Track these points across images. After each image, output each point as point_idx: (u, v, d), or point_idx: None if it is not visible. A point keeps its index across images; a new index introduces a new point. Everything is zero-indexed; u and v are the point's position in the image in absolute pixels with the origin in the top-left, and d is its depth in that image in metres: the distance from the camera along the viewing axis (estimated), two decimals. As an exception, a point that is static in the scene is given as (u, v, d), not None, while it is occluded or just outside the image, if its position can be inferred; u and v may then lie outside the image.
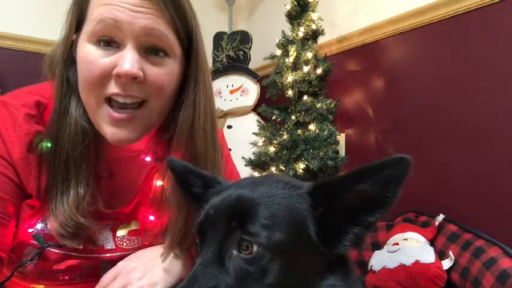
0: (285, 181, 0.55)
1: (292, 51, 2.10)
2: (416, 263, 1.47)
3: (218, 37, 2.99)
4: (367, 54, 2.23)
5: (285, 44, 2.16)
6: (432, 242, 1.62)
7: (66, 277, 0.78)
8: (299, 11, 2.13)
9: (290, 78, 2.08)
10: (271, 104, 2.28)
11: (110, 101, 0.71)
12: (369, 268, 1.66)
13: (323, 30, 2.17)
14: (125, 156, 0.82)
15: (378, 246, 1.77)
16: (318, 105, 2.06)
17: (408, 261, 1.49)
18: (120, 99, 0.70)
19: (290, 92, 2.10)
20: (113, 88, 0.69)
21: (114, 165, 0.82)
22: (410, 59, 2.00)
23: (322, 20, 2.17)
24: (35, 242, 0.74)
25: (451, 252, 1.47)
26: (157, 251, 0.79)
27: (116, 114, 0.70)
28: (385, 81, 2.13)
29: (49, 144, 0.73)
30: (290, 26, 2.17)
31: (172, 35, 0.72)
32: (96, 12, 0.67)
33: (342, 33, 2.35)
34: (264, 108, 2.22)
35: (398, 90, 2.05)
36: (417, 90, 1.94)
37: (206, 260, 0.50)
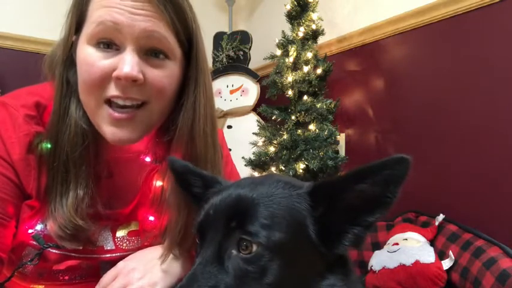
0: (284, 181, 0.55)
1: (292, 51, 2.10)
2: (416, 263, 1.47)
3: (218, 37, 2.99)
4: (367, 54, 2.22)
5: (285, 44, 2.16)
6: (432, 242, 1.62)
7: (66, 277, 0.78)
8: (299, 11, 2.13)
9: (290, 78, 2.08)
10: (271, 104, 2.28)
11: (109, 102, 0.71)
12: (369, 268, 1.66)
13: (323, 30, 2.17)
14: (124, 157, 0.82)
15: (378, 246, 1.77)
16: (318, 105, 2.06)
17: (408, 261, 1.49)
18: (120, 102, 0.70)
19: (290, 92, 2.10)
20: (112, 90, 0.69)
21: (114, 166, 0.82)
22: (410, 59, 2.00)
23: (322, 20, 2.17)
24: (34, 242, 0.74)
25: (451, 252, 1.47)
26: (157, 251, 0.79)
27: (116, 114, 0.70)
28: (385, 81, 2.13)
29: (49, 145, 0.73)
30: (290, 26, 2.17)
31: (172, 37, 0.71)
32: (96, 15, 0.67)
33: (342, 33, 2.35)
34: (264, 108, 2.22)
35: (398, 90, 2.05)
36: (417, 90, 1.94)
37: (206, 260, 0.50)
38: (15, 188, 0.72)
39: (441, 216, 1.65)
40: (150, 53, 0.71)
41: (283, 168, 2.04)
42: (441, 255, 1.53)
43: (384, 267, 1.57)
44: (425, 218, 1.74)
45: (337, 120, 2.28)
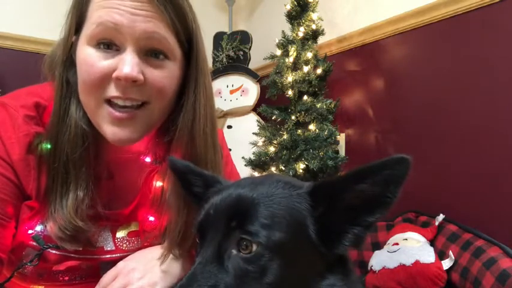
0: (285, 181, 0.55)
1: (292, 51, 2.10)
2: (416, 263, 1.47)
3: (218, 37, 2.99)
4: (367, 54, 2.22)
5: (285, 44, 2.16)
6: (432, 242, 1.62)
7: (66, 278, 0.78)
8: (299, 11, 2.13)
9: (290, 78, 2.08)
10: (271, 104, 2.28)
11: (109, 102, 0.71)
12: (369, 268, 1.66)
13: (323, 30, 2.17)
14: (124, 157, 0.82)
15: (378, 246, 1.77)
16: (318, 105, 2.06)
17: (408, 261, 1.49)
18: (120, 102, 0.70)
19: (290, 92, 2.10)
20: (112, 91, 0.69)
21: (114, 167, 0.82)
22: (410, 59, 2.00)
23: (322, 20, 2.17)
24: (34, 243, 0.74)
25: (451, 252, 1.47)
26: (157, 251, 0.79)
27: (116, 113, 0.70)
28: (385, 81, 2.12)
29: (49, 146, 0.72)
30: (290, 26, 2.17)
31: (172, 38, 0.71)
32: (96, 15, 0.67)
33: (342, 33, 2.35)
34: (264, 108, 2.22)
35: (398, 90, 2.05)
36: (417, 90, 1.94)
37: (206, 259, 0.50)
38: (15, 188, 0.72)
39: (441, 216, 1.65)
40: (150, 53, 0.71)
41: (283, 168, 2.04)
42: (441, 255, 1.53)
43: (384, 267, 1.57)
44: (425, 218, 1.74)
45: (337, 120, 2.28)
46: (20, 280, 0.77)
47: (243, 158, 2.26)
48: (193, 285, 0.48)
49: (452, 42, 1.79)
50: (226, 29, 3.10)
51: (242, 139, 2.47)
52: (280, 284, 0.48)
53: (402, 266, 1.50)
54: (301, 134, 2.06)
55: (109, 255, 0.80)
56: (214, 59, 3.00)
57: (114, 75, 0.67)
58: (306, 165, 1.98)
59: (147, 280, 0.73)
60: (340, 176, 0.54)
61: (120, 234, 0.82)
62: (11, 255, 0.74)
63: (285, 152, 2.06)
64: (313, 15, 2.12)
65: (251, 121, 2.76)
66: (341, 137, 2.28)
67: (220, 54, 2.95)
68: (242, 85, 2.88)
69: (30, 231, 0.74)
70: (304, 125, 2.11)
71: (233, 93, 2.91)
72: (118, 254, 0.81)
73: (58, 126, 0.72)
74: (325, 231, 0.52)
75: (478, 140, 1.67)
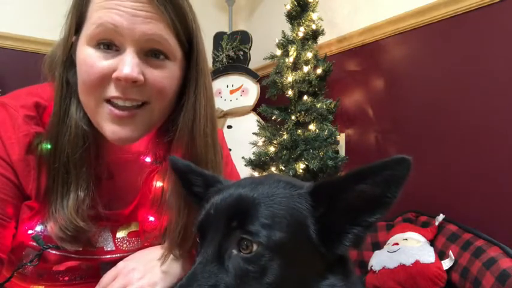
0: (285, 181, 0.55)
1: (292, 51, 2.10)
2: (416, 263, 1.47)
3: (218, 37, 2.99)
4: (367, 54, 2.22)
5: (285, 44, 2.16)
6: (432, 242, 1.62)
7: (66, 278, 0.78)
8: (299, 11, 2.12)
9: (290, 78, 2.08)
10: (271, 104, 2.28)
11: (109, 101, 0.71)
12: (369, 268, 1.66)
13: (323, 30, 2.17)
14: (124, 157, 0.82)
15: (378, 246, 1.77)
16: (318, 105, 2.06)
17: (408, 261, 1.49)
18: (120, 102, 0.70)
19: (290, 92, 2.10)
20: (112, 91, 0.69)
21: (114, 167, 0.82)
22: (410, 59, 2.00)
23: (322, 20, 2.17)
24: (34, 243, 0.74)
25: (451, 252, 1.47)
26: (157, 251, 0.79)
27: (116, 111, 0.70)
28: (385, 81, 2.12)
29: (49, 146, 0.72)
30: (290, 26, 2.17)
31: (172, 38, 0.71)
32: (96, 16, 0.67)
33: (342, 33, 2.35)
34: (264, 108, 2.22)
35: (398, 90, 2.05)
36: (417, 90, 1.94)
37: (206, 259, 0.51)
38: (15, 188, 0.72)
39: (441, 216, 1.65)
40: (151, 53, 0.71)
41: (283, 168, 2.04)
42: (441, 255, 1.53)
43: (384, 267, 1.57)
44: (425, 218, 1.74)
45: (337, 120, 2.28)
46: (20, 280, 0.77)
47: (243, 158, 2.26)
48: (193, 285, 0.48)
49: (452, 42, 1.79)
50: (226, 29, 3.10)
51: (242, 139, 2.47)
52: (280, 284, 0.49)
53: (402, 266, 1.50)
54: (301, 134, 2.06)
55: (109, 256, 0.80)
56: (214, 59, 3.00)
57: (114, 75, 0.67)
58: (306, 165, 1.98)
59: (147, 280, 0.73)
60: (340, 176, 0.54)
61: (120, 234, 0.82)
62: (11, 255, 0.74)
63: (285, 152, 2.06)
64: (313, 15, 2.11)
65: (251, 121, 2.76)
66: (341, 137, 2.28)
67: (220, 54, 2.95)
68: (242, 85, 2.88)
69: (30, 232, 0.74)
70: (304, 125, 2.11)
71: (233, 93, 2.91)
72: (118, 254, 0.81)
73: (58, 127, 0.72)
74: (325, 231, 0.52)
75: (478, 140, 1.67)
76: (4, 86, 2.25)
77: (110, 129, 0.71)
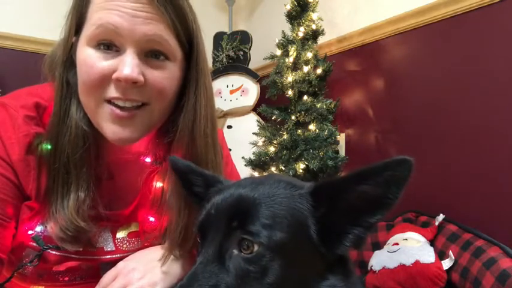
0: (286, 181, 0.55)
1: (292, 51, 2.10)
2: (416, 263, 1.47)
3: (218, 37, 2.99)
4: (367, 54, 2.22)
5: (285, 44, 2.16)
6: (432, 242, 1.62)
7: (66, 278, 0.78)
8: (299, 11, 2.12)
9: (290, 78, 2.08)
10: (271, 104, 2.27)
11: (109, 101, 0.70)
12: (369, 268, 1.66)
13: (323, 30, 2.17)
14: (125, 158, 0.82)
15: (378, 246, 1.77)
16: (318, 105, 2.06)
17: (408, 261, 1.49)
18: (120, 103, 0.70)
19: (290, 92, 2.10)
20: (112, 92, 0.69)
21: (115, 167, 0.82)
22: (410, 59, 2.00)
23: (322, 20, 2.17)
24: (34, 244, 0.74)
25: (451, 252, 1.47)
26: (157, 251, 0.79)
27: (117, 111, 0.70)
28: (385, 81, 2.12)
29: (49, 146, 0.72)
30: (290, 26, 2.17)
31: (172, 39, 0.71)
32: (96, 17, 0.67)
33: (342, 33, 2.35)
34: (264, 108, 2.22)
35: (398, 90, 2.05)
36: (417, 90, 1.94)
37: (207, 259, 0.51)
38: (15, 188, 0.71)
39: (441, 216, 1.65)
40: (151, 54, 0.71)
41: (283, 168, 2.04)
42: (441, 255, 1.53)
43: (384, 267, 1.57)
44: (425, 218, 1.74)
45: (337, 120, 2.28)
46: (20, 280, 0.77)
47: (243, 158, 2.26)
48: (194, 285, 0.48)
49: (452, 42, 1.79)
50: (226, 29, 3.10)
51: (242, 139, 2.47)
52: (281, 284, 0.49)
53: (402, 266, 1.50)
54: (301, 134, 2.06)
55: (109, 256, 0.80)
56: (214, 59, 3.00)
57: (114, 76, 0.67)
58: (306, 165, 1.98)
59: (147, 280, 0.73)
60: (341, 176, 0.54)
61: (120, 234, 0.82)
62: (11, 255, 0.74)
63: (285, 152, 2.06)
64: (313, 15, 2.11)
65: (251, 121, 2.76)
66: (341, 137, 2.28)
67: (220, 54, 2.95)
68: (242, 85, 2.88)
69: (30, 232, 0.74)
70: (304, 125, 2.11)
71: (233, 93, 2.91)
72: (118, 255, 0.81)
73: (58, 127, 0.72)
74: (326, 231, 0.52)
75: (478, 140, 1.67)
76: (4, 86, 2.25)
77: (110, 129, 0.71)
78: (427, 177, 1.76)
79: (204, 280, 0.49)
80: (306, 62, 2.09)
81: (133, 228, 0.84)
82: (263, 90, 2.58)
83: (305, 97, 2.09)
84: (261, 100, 2.67)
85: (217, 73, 2.95)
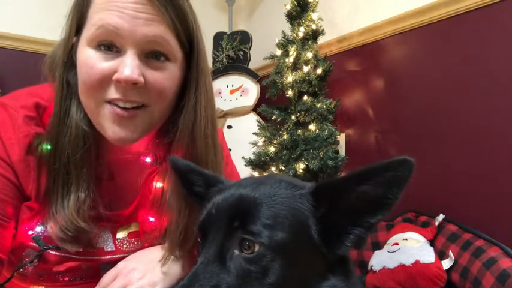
0: (287, 181, 0.55)
1: (292, 51, 2.10)
2: (416, 263, 1.47)
3: (218, 37, 2.99)
4: (367, 54, 2.22)
5: (285, 44, 2.16)
6: (432, 242, 1.62)
7: (66, 278, 0.78)
8: (299, 11, 2.12)
9: (290, 78, 2.08)
10: (271, 104, 2.27)
11: (109, 102, 0.70)
12: (369, 268, 1.66)
13: (323, 30, 2.17)
14: (125, 158, 0.82)
15: (378, 246, 1.77)
16: (318, 105, 2.06)
17: (408, 261, 1.49)
18: (121, 104, 0.70)
19: (290, 92, 2.10)
20: (113, 93, 0.69)
21: (115, 167, 0.82)
22: (410, 59, 2.00)
23: (322, 20, 2.17)
24: (34, 244, 0.74)
25: (451, 252, 1.47)
26: (157, 251, 0.79)
27: (118, 110, 0.69)
28: (385, 81, 2.12)
29: (49, 147, 0.72)
30: (290, 26, 2.17)
31: (173, 39, 0.71)
32: (97, 17, 0.67)
33: (342, 33, 2.35)
34: (264, 108, 2.22)
35: (398, 90, 2.05)
36: (417, 90, 1.94)
37: (207, 259, 0.50)
38: (15, 189, 0.71)
39: (441, 216, 1.65)
40: (151, 55, 0.71)
41: (283, 168, 2.04)
42: (441, 255, 1.53)
43: (384, 267, 1.57)
44: (425, 218, 1.74)
45: (337, 120, 2.28)
46: (20, 281, 0.77)
47: (243, 158, 2.26)
48: (195, 285, 0.48)
49: (452, 42, 1.79)
50: (226, 29, 3.10)
51: (242, 139, 2.46)
52: (282, 284, 0.49)
53: (402, 266, 1.50)
54: (301, 134, 2.06)
55: (109, 256, 0.80)
56: (214, 59, 3.00)
57: (114, 77, 0.67)
58: (306, 165, 1.98)
59: (147, 280, 0.73)
60: (342, 176, 0.54)
61: (120, 235, 0.82)
62: (11, 255, 0.74)
63: (285, 152, 2.06)
64: (313, 15, 2.11)
65: (251, 121, 2.76)
66: (341, 137, 2.28)
67: (220, 54, 2.95)
68: (242, 85, 2.88)
69: (30, 232, 0.74)
70: (304, 125, 2.11)
71: (233, 93, 2.91)
72: (118, 255, 0.81)
73: (58, 127, 0.72)
74: (327, 231, 0.52)
75: (478, 140, 1.67)
76: (4, 86, 2.25)
77: (111, 129, 0.71)
78: (427, 177, 1.75)
79: (205, 280, 0.48)
80: (306, 62, 2.09)
81: (133, 228, 0.84)
82: (263, 90, 2.58)
83: (305, 97, 2.09)
84: (261, 100, 2.67)
85: (217, 73, 2.95)
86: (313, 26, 2.12)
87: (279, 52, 2.18)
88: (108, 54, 0.68)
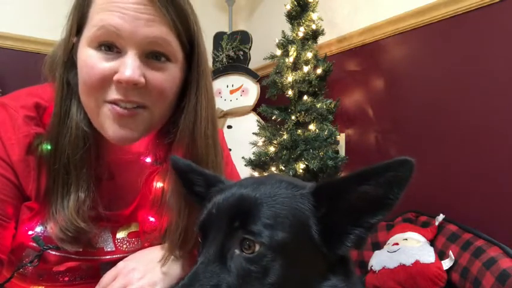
0: (287, 181, 0.55)
1: (292, 51, 2.10)
2: (416, 263, 1.47)
3: (218, 37, 2.99)
4: (367, 54, 2.22)
5: (285, 44, 2.16)
6: (432, 242, 1.62)
7: (66, 278, 0.78)
8: (299, 11, 2.12)
9: (290, 78, 2.08)
10: (271, 104, 2.28)
11: (110, 102, 0.70)
12: (369, 268, 1.66)
13: (323, 30, 2.17)
14: (125, 158, 0.82)
15: (378, 246, 1.77)
16: (318, 105, 2.06)
17: (408, 261, 1.49)
18: (122, 104, 0.70)
19: (290, 92, 2.10)
20: (113, 94, 0.69)
21: (115, 168, 0.82)
22: (410, 59, 2.00)
23: (322, 20, 2.17)
24: (34, 244, 0.74)
25: (451, 252, 1.47)
26: (157, 251, 0.79)
27: (118, 109, 0.69)
28: (385, 81, 2.13)
29: (49, 147, 0.72)
30: (290, 26, 2.17)
31: (174, 40, 0.71)
32: (97, 18, 0.67)
33: (342, 33, 2.35)
34: (264, 108, 2.22)
35: (398, 90, 2.05)
36: (417, 90, 1.94)
37: (208, 259, 0.51)
38: (15, 189, 0.71)
39: (441, 216, 1.65)
40: (152, 55, 0.71)
41: (283, 168, 2.04)
42: (441, 255, 1.53)
43: (384, 267, 1.57)
44: (425, 218, 1.74)
45: (337, 120, 2.28)
46: (20, 281, 0.77)
47: (243, 158, 2.26)
48: (195, 284, 0.48)
49: (452, 42, 1.79)
50: (226, 29, 3.10)
51: (242, 139, 2.47)
52: (282, 284, 0.49)
53: (402, 266, 1.50)
54: (301, 134, 2.06)
55: (109, 256, 0.80)
56: (214, 59, 3.00)
57: (115, 78, 0.67)
58: (306, 165, 1.98)
59: (147, 280, 0.73)
60: (343, 176, 0.54)
61: (120, 235, 0.82)
62: (11, 256, 0.74)
63: (285, 152, 2.06)
64: (313, 15, 2.11)
65: (251, 121, 2.76)
66: (341, 137, 2.28)
67: (220, 54, 2.95)
68: (242, 85, 2.88)
69: (30, 232, 0.74)
70: (304, 125, 2.11)
71: (233, 93, 2.91)
72: (118, 255, 0.81)
73: (59, 128, 0.72)
74: (327, 231, 0.52)
75: (478, 140, 1.67)
76: (4, 86, 2.25)
77: (111, 128, 0.71)
78: (427, 177, 1.75)
79: (205, 280, 0.49)
80: (306, 62, 2.09)
81: (133, 228, 0.84)
82: (263, 90, 2.58)
83: (305, 97, 2.09)
84: (261, 100, 2.67)
85: (217, 73, 2.95)
86: (313, 26, 2.12)
87: (279, 52, 2.18)
88: (109, 55, 0.68)
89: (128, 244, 0.83)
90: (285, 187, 0.54)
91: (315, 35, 2.15)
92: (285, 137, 2.07)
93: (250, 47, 2.89)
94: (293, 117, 2.10)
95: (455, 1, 1.74)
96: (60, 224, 0.70)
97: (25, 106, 0.74)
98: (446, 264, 1.46)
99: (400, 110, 2.03)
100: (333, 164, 1.97)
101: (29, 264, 0.74)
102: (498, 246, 1.35)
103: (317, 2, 2.13)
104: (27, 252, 0.75)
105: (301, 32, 2.11)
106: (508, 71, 1.57)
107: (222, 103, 2.91)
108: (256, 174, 2.25)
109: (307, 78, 2.07)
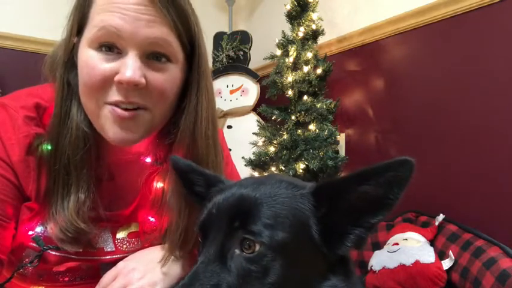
0: (287, 181, 0.55)
1: (292, 51, 2.10)
2: (416, 263, 1.47)
3: (218, 37, 2.99)
4: (367, 54, 2.23)
5: (285, 44, 2.16)
6: (432, 242, 1.62)
7: (66, 278, 0.78)
8: (299, 11, 2.12)
9: (290, 78, 2.08)
10: (271, 104, 2.28)
11: (110, 104, 0.70)
12: (369, 268, 1.66)
13: (323, 30, 2.17)
14: (125, 158, 0.82)
15: (378, 246, 1.77)
16: (318, 105, 2.06)
17: (408, 261, 1.49)
18: (122, 106, 0.70)
19: (290, 92, 2.10)
20: (114, 95, 0.69)
21: (115, 168, 0.82)
22: (410, 59, 2.00)
23: (322, 20, 2.17)
24: (34, 244, 0.74)
25: (451, 252, 1.47)
26: (157, 251, 0.79)
27: (119, 110, 0.69)
28: (385, 81, 2.13)
29: (49, 147, 0.72)
30: (290, 26, 2.17)
31: (175, 41, 0.71)
32: (98, 19, 0.67)
33: (342, 33, 2.35)
34: (264, 108, 2.22)
35: (398, 90, 2.05)
36: (417, 90, 1.94)
37: (208, 259, 0.51)
38: (15, 189, 0.71)
39: (441, 216, 1.65)
40: (152, 56, 0.71)
41: (283, 168, 2.04)
42: (441, 255, 1.53)
43: (384, 267, 1.57)
44: (425, 218, 1.74)
45: (337, 120, 2.28)
46: (20, 281, 0.77)
47: (243, 158, 2.26)
48: (195, 284, 0.48)
49: (452, 42, 1.79)
50: (226, 29, 3.10)
51: (242, 139, 2.47)
52: (282, 284, 0.49)
53: (402, 266, 1.50)
54: (301, 134, 2.06)
55: (109, 256, 0.80)
56: (214, 59, 3.00)
57: (116, 78, 0.67)
58: (306, 165, 1.98)
59: (147, 280, 0.73)
60: (343, 176, 0.54)
61: (120, 235, 0.82)
62: (11, 256, 0.74)
63: (285, 152, 2.06)
64: (313, 15, 2.11)
65: (251, 121, 2.76)
66: (341, 137, 2.29)
67: (220, 54, 2.95)
68: (242, 85, 2.88)
69: (30, 232, 0.74)
70: (304, 125, 2.11)
71: (233, 93, 2.91)
72: (118, 255, 0.81)
73: (59, 128, 0.72)
74: (327, 231, 0.52)
75: (478, 140, 1.67)
76: (4, 86, 2.25)
77: (111, 130, 0.71)
78: (427, 177, 1.75)
79: (205, 279, 0.49)
80: (306, 62, 2.09)
81: (133, 228, 0.84)
82: (263, 90, 2.58)
83: (305, 97, 2.09)
84: (261, 100, 2.67)
85: (217, 73, 2.95)
86: (313, 26, 2.12)
87: (279, 52, 2.18)
88: (110, 56, 0.68)
89: (128, 244, 0.83)
90: (285, 187, 0.54)
91: (315, 35, 2.15)
92: (285, 137, 2.07)
93: (250, 47, 2.89)
94: (293, 117, 2.10)
95: (455, 1, 1.74)
96: (60, 224, 0.70)
97: (25, 106, 0.74)
98: (446, 264, 1.46)
99: (400, 110, 2.03)
100: (333, 164, 1.97)
101: (29, 265, 0.74)
102: (498, 246, 1.35)
103: (317, 2, 2.13)
104: (27, 253, 0.75)
105: (301, 32, 2.11)
106: (508, 71, 1.57)
107: (222, 103, 2.91)
108: (256, 174, 2.25)
109: (307, 78, 2.07)
